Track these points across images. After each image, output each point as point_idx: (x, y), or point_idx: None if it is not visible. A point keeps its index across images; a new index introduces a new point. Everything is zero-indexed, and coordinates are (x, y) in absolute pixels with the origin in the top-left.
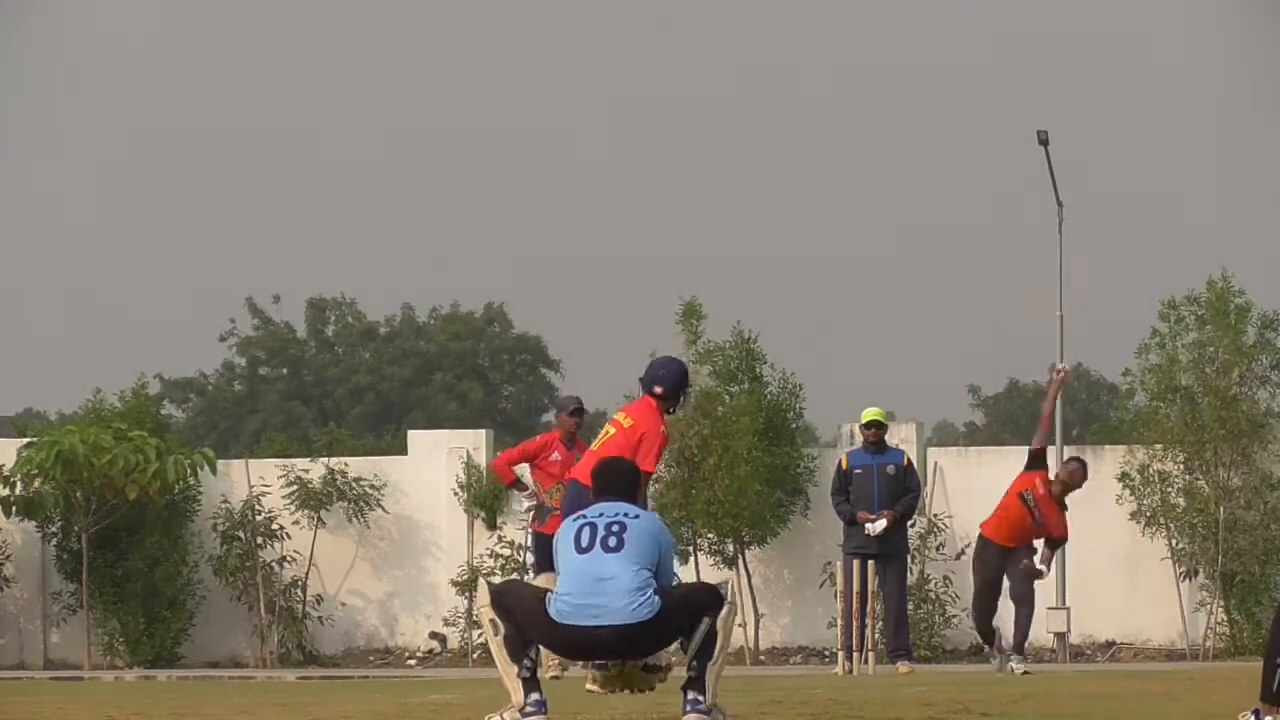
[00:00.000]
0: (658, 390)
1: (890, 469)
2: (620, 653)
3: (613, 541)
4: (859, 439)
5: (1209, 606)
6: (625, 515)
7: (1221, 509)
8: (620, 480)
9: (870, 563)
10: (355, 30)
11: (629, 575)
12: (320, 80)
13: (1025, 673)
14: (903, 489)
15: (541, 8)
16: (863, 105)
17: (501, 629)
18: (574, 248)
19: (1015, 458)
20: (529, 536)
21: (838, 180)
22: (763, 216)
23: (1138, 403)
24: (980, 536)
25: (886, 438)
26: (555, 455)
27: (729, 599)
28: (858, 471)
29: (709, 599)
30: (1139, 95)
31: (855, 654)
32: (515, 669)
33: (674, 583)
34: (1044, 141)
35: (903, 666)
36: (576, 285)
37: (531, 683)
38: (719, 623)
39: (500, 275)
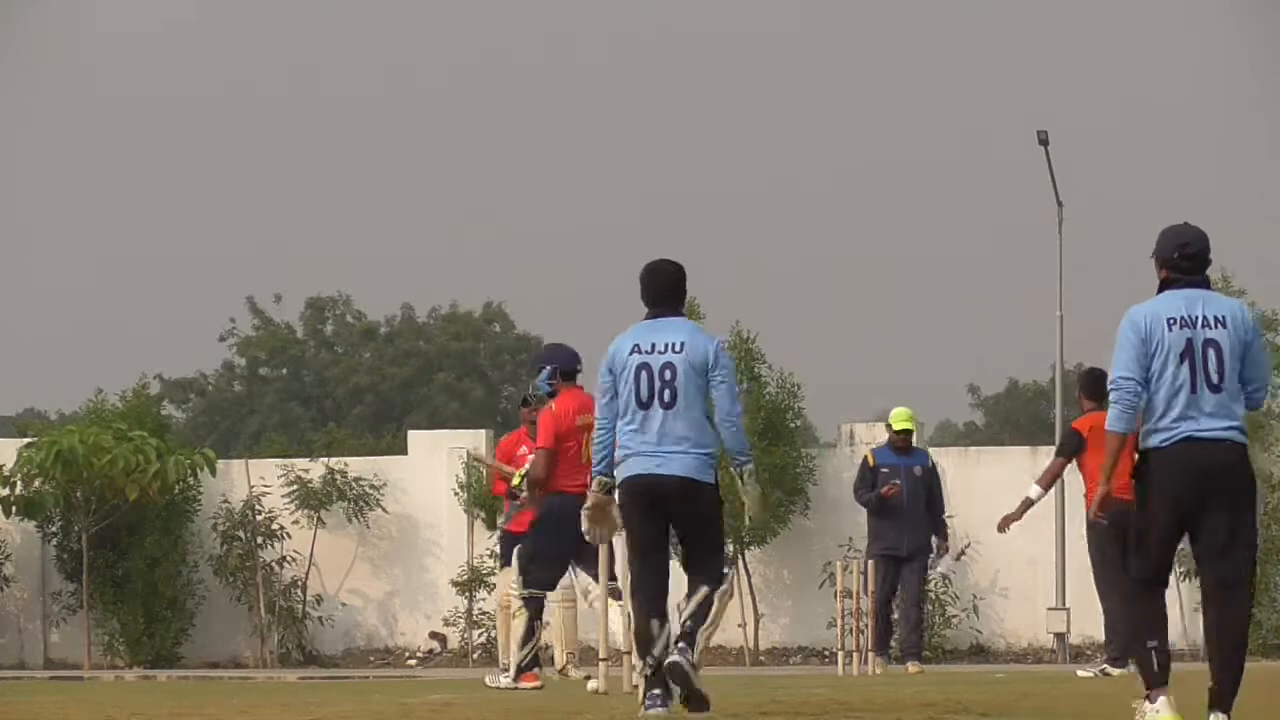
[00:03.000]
0: (580, 368)
1: (917, 470)
2: (678, 502)
3: (667, 395)
4: (859, 438)
5: None
6: (675, 349)
7: None
8: (674, 288)
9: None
10: (355, 30)
11: (685, 428)
12: (320, 80)
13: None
14: (928, 490)
15: (541, 9)
16: (862, 105)
17: (633, 621)
18: (574, 247)
19: (1015, 458)
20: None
21: (837, 180)
22: (762, 216)
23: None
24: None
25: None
26: (523, 449)
27: (727, 584)
28: (884, 470)
29: (716, 567)
30: (1139, 95)
31: (878, 655)
32: (640, 662)
33: (736, 407)
34: (1044, 141)
35: (912, 666)
36: (576, 285)
37: (653, 680)
38: (716, 596)
39: (500, 275)
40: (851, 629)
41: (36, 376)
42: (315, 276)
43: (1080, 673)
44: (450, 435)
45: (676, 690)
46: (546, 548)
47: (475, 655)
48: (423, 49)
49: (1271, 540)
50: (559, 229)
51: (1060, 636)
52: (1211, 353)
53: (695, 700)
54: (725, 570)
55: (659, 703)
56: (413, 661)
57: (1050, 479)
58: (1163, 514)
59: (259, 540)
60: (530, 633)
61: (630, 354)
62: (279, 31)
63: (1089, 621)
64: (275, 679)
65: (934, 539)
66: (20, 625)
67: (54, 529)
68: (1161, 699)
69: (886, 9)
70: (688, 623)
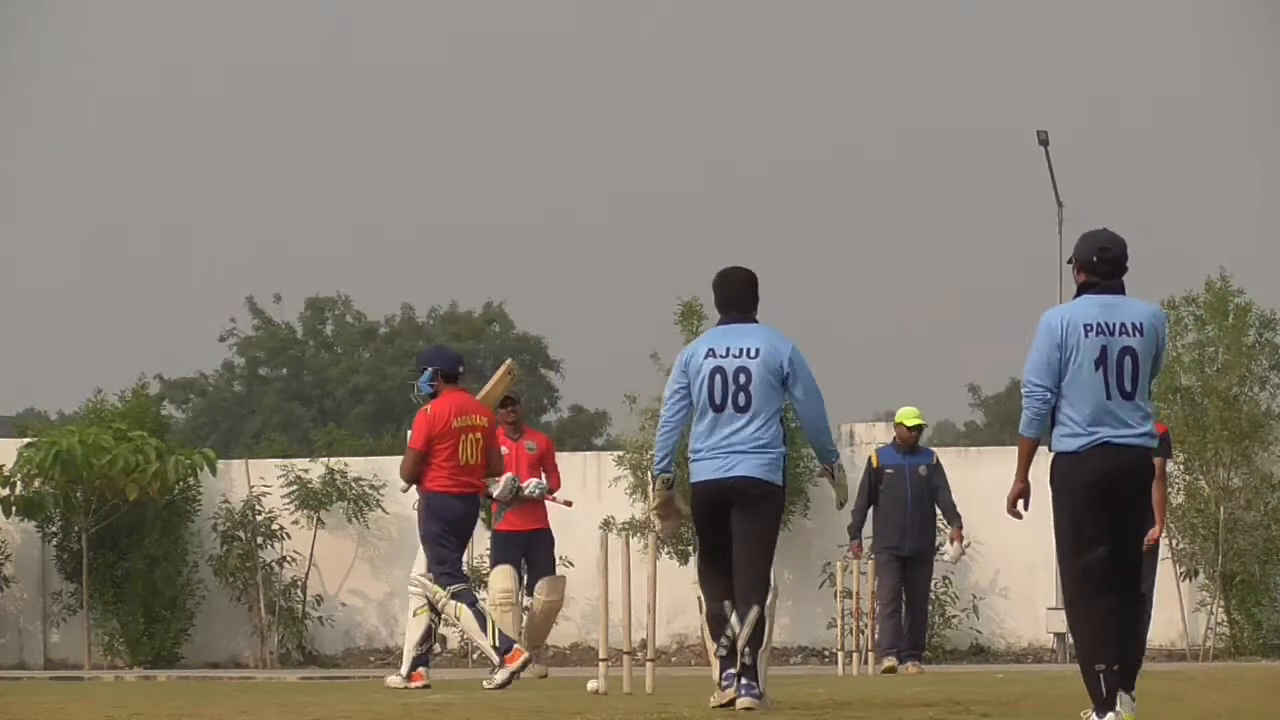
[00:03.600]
0: (461, 371)
1: (922, 469)
2: (742, 501)
3: (742, 399)
4: (859, 438)
5: (1209, 607)
6: (750, 354)
7: (1222, 509)
8: (746, 294)
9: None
10: (355, 30)
11: (756, 431)
12: (320, 80)
13: None
14: (932, 488)
15: (541, 8)
16: (862, 105)
17: (704, 607)
18: (574, 247)
19: (1015, 458)
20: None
21: (837, 180)
22: (762, 216)
23: None
24: None
25: (892, 432)
26: (503, 449)
27: (773, 594)
28: (889, 471)
29: (765, 579)
30: (1139, 95)
31: (885, 653)
32: (714, 646)
33: (818, 408)
34: (1044, 141)
35: (912, 667)
36: (576, 285)
37: (729, 659)
38: (767, 609)
39: (499, 275)
40: (851, 629)
41: (36, 376)
42: (315, 276)
43: None
44: None
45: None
46: (455, 550)
47: (475, 655)
48: (423, 49)
49: (1271, 540)
50: (558, 229)
51: (1060, 636)
52: (1128, 360)
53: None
54: (772, 583)
55: (734, 682)
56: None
57: None
58: (1081, 514)
59: (259, 540)
60: (430, 632)
61: (705, 358)
62: (279, 31)
63: None
64: (275, 679)
65: (948, 527)
66: (20, 625)
67: (54, 529)
68: (1110, 716)
69: (886, 9)
70: (746, 651)
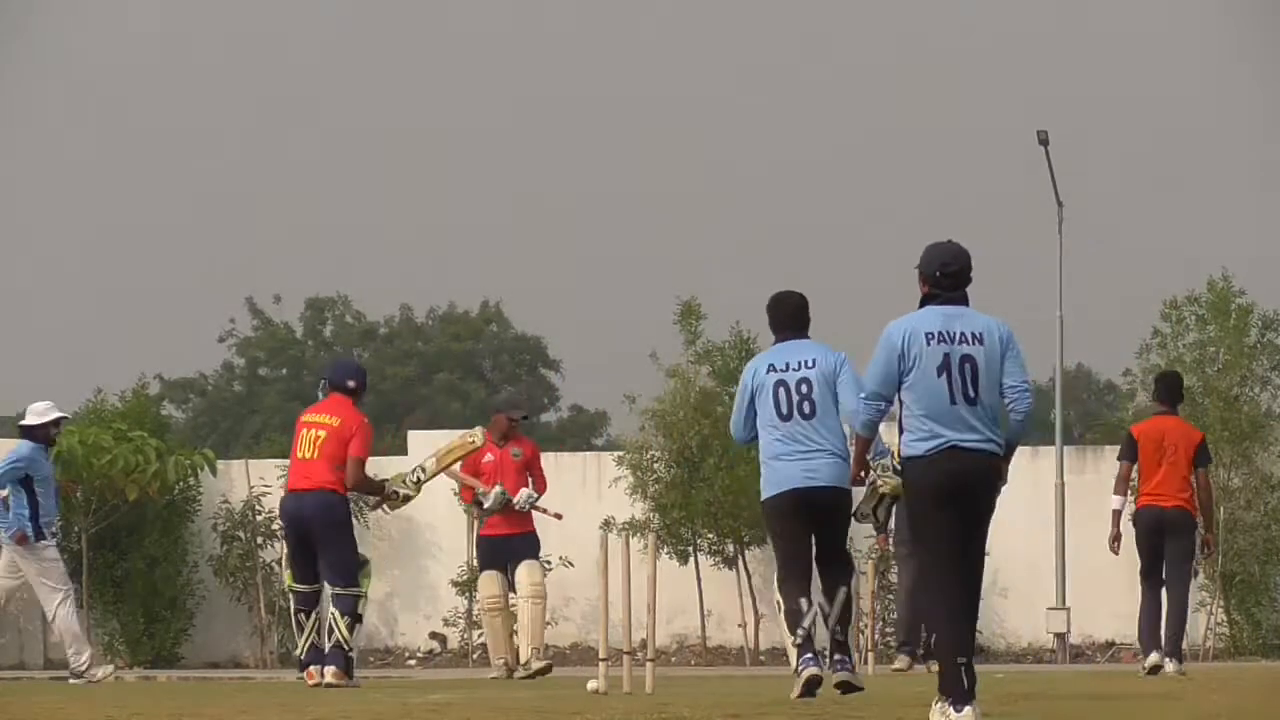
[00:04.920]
0: (351, 385)
1: None
2: (827, 508)
3: (807, 407)
4: None
5: (1209, 607)
6: (808, 365)
7: (1222, 509)
8: (799, 314)
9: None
10: (355, 29)
11: (825, 436)
12: (319, 80)
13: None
14: None
15: (541, 7)
16: (862, 105)
17: (783, 605)
18: (573, 247)
19: (1015, 458)
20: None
21: (837, 180)
22: (762, 216)
23: (1139, 403)
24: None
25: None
26: (488, 456)
27: (854, 574)
28: None
29: (848, 564)
30: (1139, 95)
31: (903, 651)
32: (792, 637)
33: (854, 396)
34: (1044, 141)
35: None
36: (576, 285)
37: (805, 645)
38: (853, 590)
39: (498, 275)
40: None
41: (36, 376)
42: (314, 277)
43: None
44: (449, 435)
45: (824, 655)
46: (292, 548)
47: (475, 655)
48: (422, 49)
49: (1271, 540)
50: (558, 229)
51: (1060, 636)
52: (968, 367)
53: (853, 689)
54: (852, 562)
55: (813, 663)
56: (413, 661)
57: (1124, 484)
58: (929, 515)
59: (259, 540)
60: (301, 625)
61: (767, 373)
62: (278, 31)
63: (1089, 621)
64: (275, 679)
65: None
66: (20, 625)
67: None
68: (967, 709)
69: (886, 9)
70: (838, 629)
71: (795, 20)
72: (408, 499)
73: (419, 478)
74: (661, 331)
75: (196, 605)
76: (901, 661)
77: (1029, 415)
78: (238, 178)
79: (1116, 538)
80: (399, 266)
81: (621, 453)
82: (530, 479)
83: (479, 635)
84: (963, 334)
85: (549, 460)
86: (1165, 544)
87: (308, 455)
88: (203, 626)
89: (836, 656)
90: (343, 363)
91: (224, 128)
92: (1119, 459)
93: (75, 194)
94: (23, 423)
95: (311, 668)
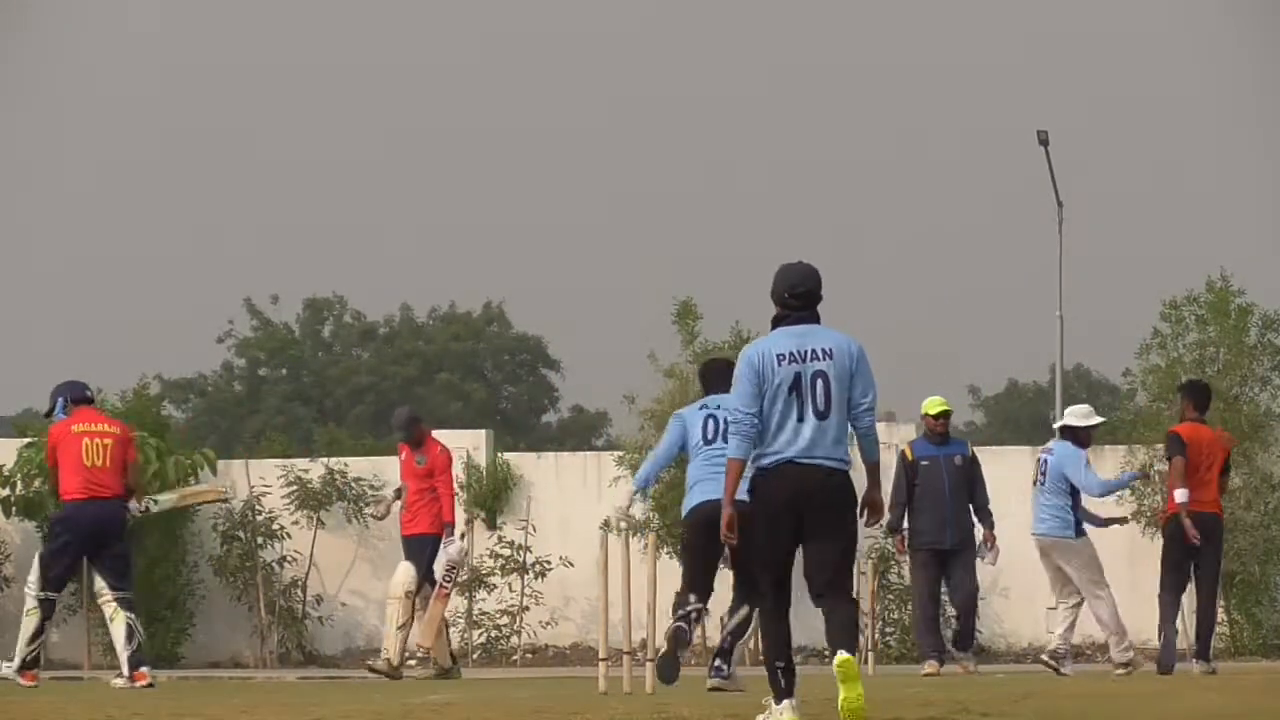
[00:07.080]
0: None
1: (957, 459)
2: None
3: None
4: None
5: None
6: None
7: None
8: (725, 377)
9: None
10: (355, 29)
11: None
12: (320, 80)
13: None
14: (969, 479)
15: (541, 7)
16: (862, 105)
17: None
18: (574, 248)
19: (1015, 458)
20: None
21: (837, 180)
22: (763, 216)
23: (1139, 403)
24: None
25: (891, 432)
26: (401, 455)
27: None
28: (924, 463)
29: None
30: (1139, 95)
31: (928, 656)
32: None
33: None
34: (1044, 141)
35: (969, 664)
36: (576, 285)
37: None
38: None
39: (499, 275)
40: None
41: (36, 376)
42: (313, 277)
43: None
44: (451, 435)
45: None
46: (59, 552)
47: (475, 655)
48: (422, 49)
49: (1272, 540)
50: (558, 229)
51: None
52: (820, 383)
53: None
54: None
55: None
56: (413, 661)
57: (1182, 479)
58: (770, 529)
59: (259, 540)
60: (39, 631)
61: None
62: (279, 31)
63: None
64: (275, 679)
65: (980, 529)
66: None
67: None
68: (786, 702)
69: (886, 9)
70: (727, 638)
71: (795, 21)
72: (144, 511)
73: (148, 507)
74: (661, 331)
75: (196, 605)
76: (930, 666)
77: (872, 431)
78: (237, 177)
79: (1195, 535)
80: (399, 266)
81: (621, 453)
82: (435, 489)
83: (479, 635)
84: (813, 351)
85: (549, 460)
86: (1201, 548)
87: (98, 462)
88: (203, 626)
89: (716, 663)
90: (75, 382)
91: (224, 128)
92: (1171, 456)
93: (75, 194)
94: None
95: (143, 669)
